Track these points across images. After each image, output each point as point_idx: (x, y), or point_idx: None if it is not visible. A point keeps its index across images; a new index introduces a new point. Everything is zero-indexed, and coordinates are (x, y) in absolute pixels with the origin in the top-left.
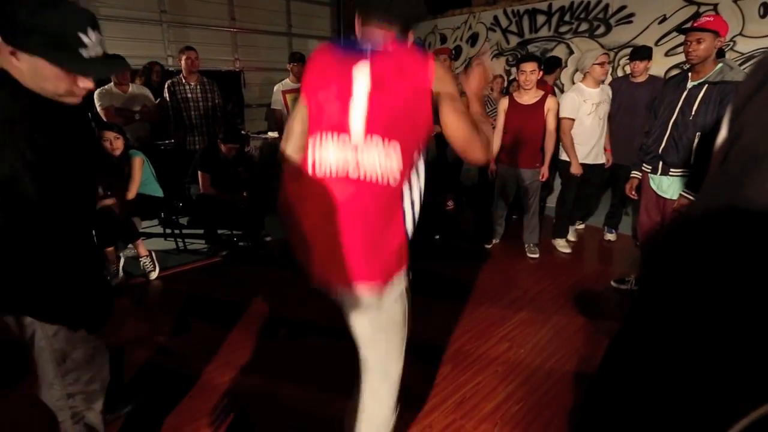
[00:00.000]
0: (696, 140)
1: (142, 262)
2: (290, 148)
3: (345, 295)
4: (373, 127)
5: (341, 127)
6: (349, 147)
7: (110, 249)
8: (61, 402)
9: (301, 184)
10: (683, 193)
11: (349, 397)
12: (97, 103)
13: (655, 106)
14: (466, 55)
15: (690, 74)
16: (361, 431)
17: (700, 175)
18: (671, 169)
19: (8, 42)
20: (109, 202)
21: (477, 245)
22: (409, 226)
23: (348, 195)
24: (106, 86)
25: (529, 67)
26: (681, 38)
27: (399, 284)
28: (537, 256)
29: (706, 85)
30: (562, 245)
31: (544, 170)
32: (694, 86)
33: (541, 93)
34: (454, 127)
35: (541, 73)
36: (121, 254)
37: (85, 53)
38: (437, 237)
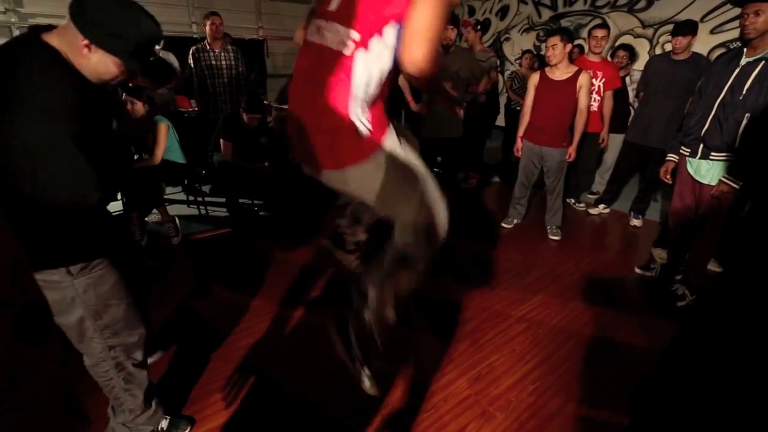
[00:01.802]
0: (744, 122)
1: (165, 227)
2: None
3: (315, 175)
4: (339, 15)
5: (324, 12)
6: (324, 26)
7: (135, 213)
8: (103, 354)
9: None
10: (724, 179)
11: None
12: None
13: (700, 86)
14: (495, 28)
15: (745, 50)
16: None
17: (747, 160)
18: (712, 153)
19: (89, 37)
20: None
21: (498, 224)
22: (353, 104)
23: (311, 60)
24: None
25: (550, 41)
26: (729, 14)
27: (369, 162)
28: (559, 238)
29: (763, 62)
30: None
31: (572, 150)
32: (748, 63)
33: (574, 69)
34: (415, 12)
35: (569, 46)
36: (146, 219)
37: (151, 58)
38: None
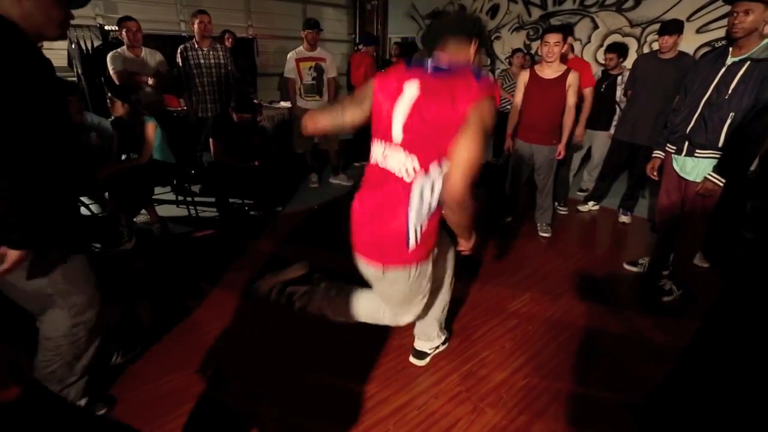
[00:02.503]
0: (729, 121)
1: (154, 228)
2: (327, 116)
3: (358, 261)
4: (403, 139)
5: (386, 132)
6: (386, 147)
7: (122, 213)
8: (66, 330)
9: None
10: (709, 177)
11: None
12: (109, 66)
13: (686, 83)
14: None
15: (730, 49)
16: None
17: (731, 157)
18: (697, 150)
19: None
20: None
21: (489, 222)
22: (413, 220)
23: (376, 180)
24: (118, 49)
25: (553, 38)
26: (715, 14)
27: (405, 270)
28: (549, 235)
29: (749, 62)
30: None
31: (561, 148)
32: (734, 63)
33: (564, 67)
34: (462, 147)
35: (567, 46)
36: (134, 219)
37: None
38: None
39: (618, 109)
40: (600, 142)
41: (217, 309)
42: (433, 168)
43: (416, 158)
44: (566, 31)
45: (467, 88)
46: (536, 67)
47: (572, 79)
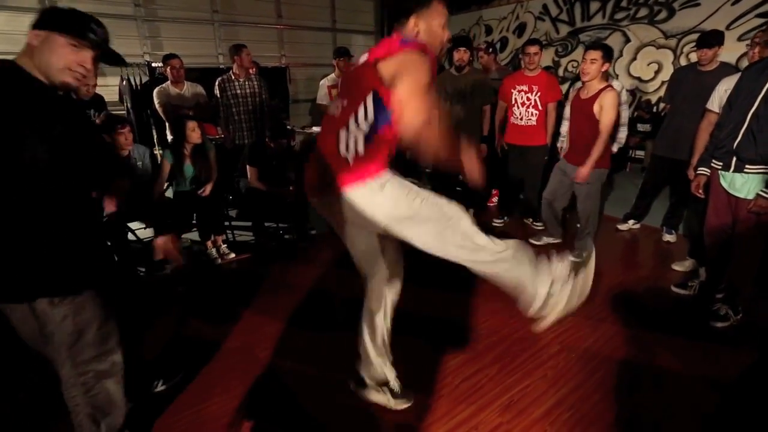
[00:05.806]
0: None
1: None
2: None
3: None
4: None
5: None
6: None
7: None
8: (72, 379)
9: None
10: (762, 193)
11: None
12: (155, 101)
13: (729, 96)
14: (513, 46)
15: None
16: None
17: None
18: (747, 166)
19: (35, 27)
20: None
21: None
22: (342, 148)
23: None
24: (163, 85)
25: (592, 54)
26: (757, 21)
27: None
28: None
29: None
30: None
31: (584, 170)
32: None
33: (599, 87)
34: (406, 105)
35: (606, 65)
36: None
37: (91, 35)
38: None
39: None
40: None
41: (254, 334)
42: (359, 113)
43: (346, 102)
44: (606, 50)
45: (386, 47)
46: (580, 88)
47: (602, 99)
